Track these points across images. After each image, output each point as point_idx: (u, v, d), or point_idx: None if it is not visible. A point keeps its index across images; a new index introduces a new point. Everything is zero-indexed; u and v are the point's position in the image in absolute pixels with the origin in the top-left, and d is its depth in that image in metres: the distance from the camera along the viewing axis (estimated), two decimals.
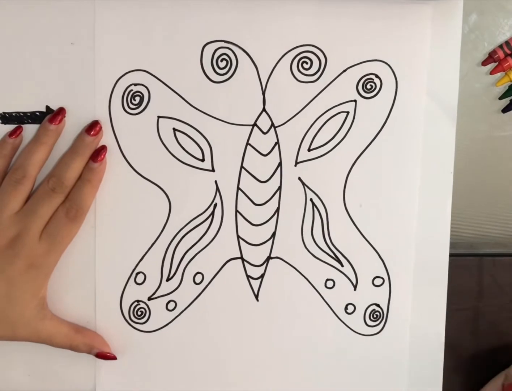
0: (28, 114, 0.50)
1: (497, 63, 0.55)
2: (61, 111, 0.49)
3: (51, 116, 0.49)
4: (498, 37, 0.54)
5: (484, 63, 0.55)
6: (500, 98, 0.56)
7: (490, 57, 0.55)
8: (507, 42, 0.54)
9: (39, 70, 0.49)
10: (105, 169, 0.50)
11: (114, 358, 0.52)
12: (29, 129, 0.50)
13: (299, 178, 0.52)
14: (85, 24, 0.49)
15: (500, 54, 0.54)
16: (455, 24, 0.51)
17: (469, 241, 0.57)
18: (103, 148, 0.50)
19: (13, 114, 0.50)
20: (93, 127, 0.49)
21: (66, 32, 0.49)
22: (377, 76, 0.51)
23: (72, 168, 0.49)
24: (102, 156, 0.50)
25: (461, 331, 0.58)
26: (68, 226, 0.49)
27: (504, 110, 0.56)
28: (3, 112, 0.50)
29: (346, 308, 0.54)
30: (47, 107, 0.50)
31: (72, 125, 0.50)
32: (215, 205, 0.52)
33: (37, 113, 0.50)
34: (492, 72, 0.55)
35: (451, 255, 0.54)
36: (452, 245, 0.54)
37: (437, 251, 0.54)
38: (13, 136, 0.49)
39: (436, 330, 0.55)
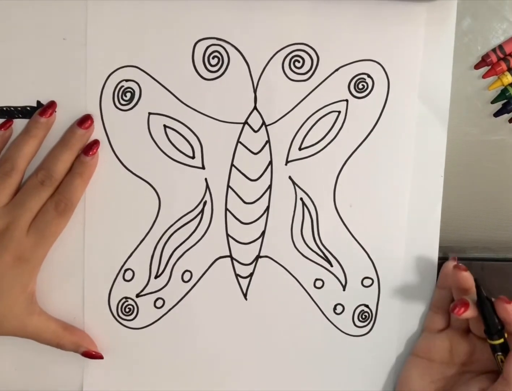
0: (19, 108, 0.50)
1: (489, 67, 0.55)
2: (52, 104, 0.49)
3: (41, 109, 0.49)
4: (492, 41, 0.54)
5: (477, 66, 0.55)
6: (492, 102, 0.55)
7: (483, 61, 0.55)
8: (500, 46, 0.54)
9: (31, 65, 0.49)
10: (97, 164, 0.50)
11: (100, 357, 0.52)
12: (20, 124, 0.50)
13: (290, 177, 0.52)
14: (78, 19, 0.49)
15: (493, 58, 0.54)
16: (449, 27, 0.52)
17: (458, 244, 0.57)
18: (96, 142, 0.50)
19: (4, 108, 0.50)
20: (85, 120, 0.49)
21: (58, 27, 0.49)
22: (369, 76, 0.51)
23: (62, 161, 0.49)
24: (95, 150, 0.50)
25: None
26: (57, 220, 0.49)
27: (496, 114, 0.56)
28: None
29: (334, 308, 0.54)
30: (38, 102, 0.50)
31: (63, 121, 0.50)
32: (205, 203, 0.52)
33: (28, 108, 0.50)
34: (484, 76, 0.55)
35: (440, 259, 0.54)
36: (441, 249, 0.54)
37: (426, 254, 0.54)
38: (3, 129, 0.49)
39: None
